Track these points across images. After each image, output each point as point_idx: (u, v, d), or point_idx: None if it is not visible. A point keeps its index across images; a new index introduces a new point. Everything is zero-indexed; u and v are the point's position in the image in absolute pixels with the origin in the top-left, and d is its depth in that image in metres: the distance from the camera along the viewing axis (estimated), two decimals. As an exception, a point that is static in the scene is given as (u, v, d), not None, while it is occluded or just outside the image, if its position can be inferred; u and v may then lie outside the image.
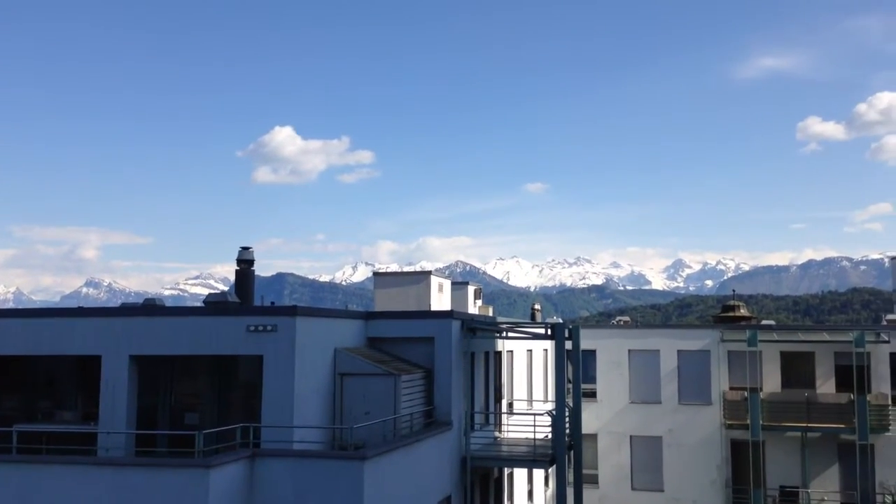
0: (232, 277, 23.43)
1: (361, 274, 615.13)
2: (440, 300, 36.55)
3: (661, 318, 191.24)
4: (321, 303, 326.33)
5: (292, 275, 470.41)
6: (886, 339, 30.16)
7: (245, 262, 22.54)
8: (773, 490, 30.24)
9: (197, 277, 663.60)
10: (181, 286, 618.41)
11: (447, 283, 38.54)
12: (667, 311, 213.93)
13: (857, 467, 28.75)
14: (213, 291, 21.26)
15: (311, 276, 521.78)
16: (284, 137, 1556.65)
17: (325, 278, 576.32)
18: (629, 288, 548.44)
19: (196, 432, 15.32)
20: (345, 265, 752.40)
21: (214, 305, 19.46)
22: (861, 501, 28.52)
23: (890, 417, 29.39)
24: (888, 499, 28.40)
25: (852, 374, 29.34)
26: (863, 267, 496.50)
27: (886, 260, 42.48)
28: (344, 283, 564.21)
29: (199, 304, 20.89)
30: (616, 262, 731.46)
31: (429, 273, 37.67)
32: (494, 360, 25.48)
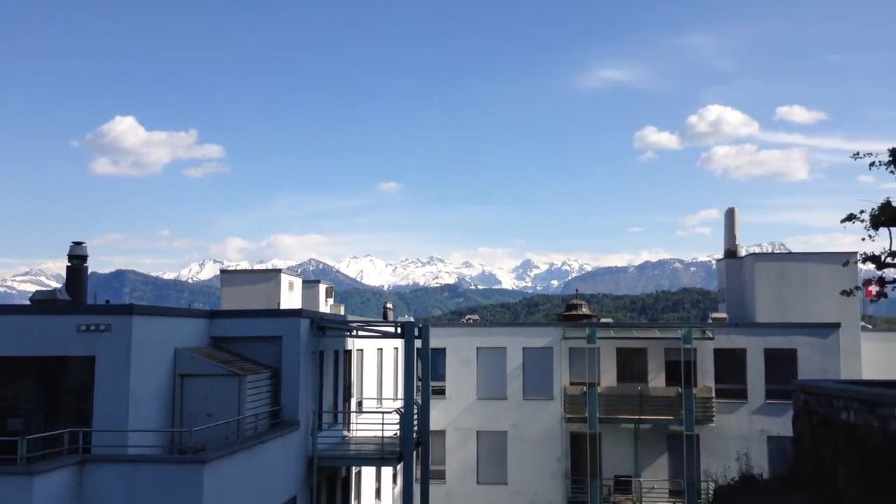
0: (65, 274, 22.04)
1: (209, 272, 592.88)
2: (291, 298, 35.94)
3: (510, 316, 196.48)
4: (165, 301, 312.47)
5: (133, 272, 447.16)
6: (711, 335, 32.44)
7: (77, 258, 21.26)
8: (609, 479, 31.86)
9: (26, 274, 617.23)
10: (8, 283, 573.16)
11: (298, 282, 37.97)
12: (515, 310, 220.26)
13: (684, 456, 30.76)
14: (42, 289, 19.92)
15: (153, 274, 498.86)
16: (126, 128, 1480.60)
17: (169, 276, 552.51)
18: (480, 287, 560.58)
19: (19, 438, 14.35)
20: (191, 262, 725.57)
21: (42, 303, 18.28)
22: (687, 488, 30.50)
23: (714, 409, 31.65)
24: (711, 485, 30.58)
25: (680, 369, 31.38)
26: (693, 268, 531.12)
27: (713, 262, 46.22)
28: (190, 280, 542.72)
29: (27, 302, 19.57)
30: (468, 261, 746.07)
31: (279, 271, 36.98)
32: (344, 359, 25.35)
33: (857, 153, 15.15)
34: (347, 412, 25.49)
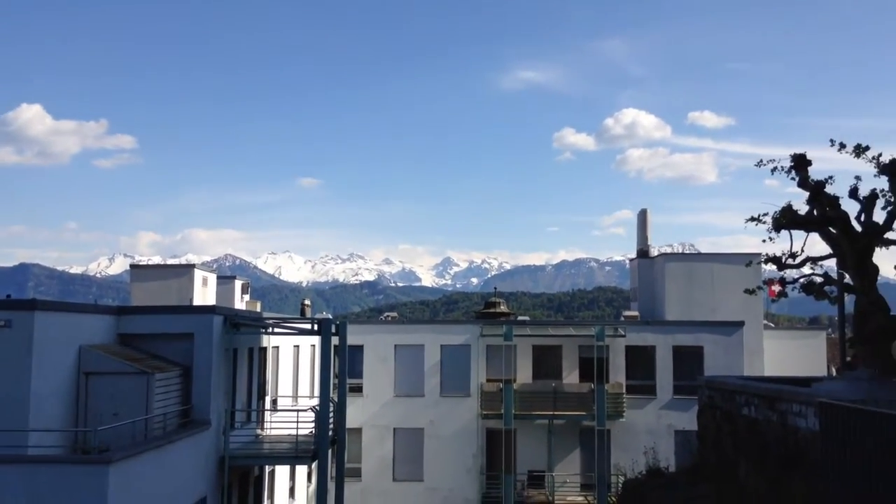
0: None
1: (119, 266, 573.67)
2: (204, 295, 35.09)
3: (430, 314, 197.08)
4: (72, 297, 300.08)
5: (38, 265, 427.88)
6: (623, 333, 33.31)
7: (-25, 250, 20.20)
8: (523, 474, 32.32)
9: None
10: None
11: (212, 278, 37.12)
12: (435, 308, 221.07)
13: (596, 451, 31.47)
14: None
15: (60, 268, 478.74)
16: (32, 116, 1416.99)
17: (76, 270, 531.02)
18: (400, 284, 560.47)
19: None
20: (100, 256, 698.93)
21: (-65, 298, 17.28)
22: (598, 482, 31.22)
23: (624, 405, 32.51)
24: (621, 479, 31.37)
25: (593, 366, 32.09)
26: (608, 268, 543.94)
27: (627, 262, 47.62)
28: (99, 275, 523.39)
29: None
30: (388, 258, 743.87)
31: (192, 266, 36.05)
32: (259, 357, 24.93)
33: (761, 161, 15.77)
34: (261, 410, 25.09)
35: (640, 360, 33.29)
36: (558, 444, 32.88)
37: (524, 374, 33.30)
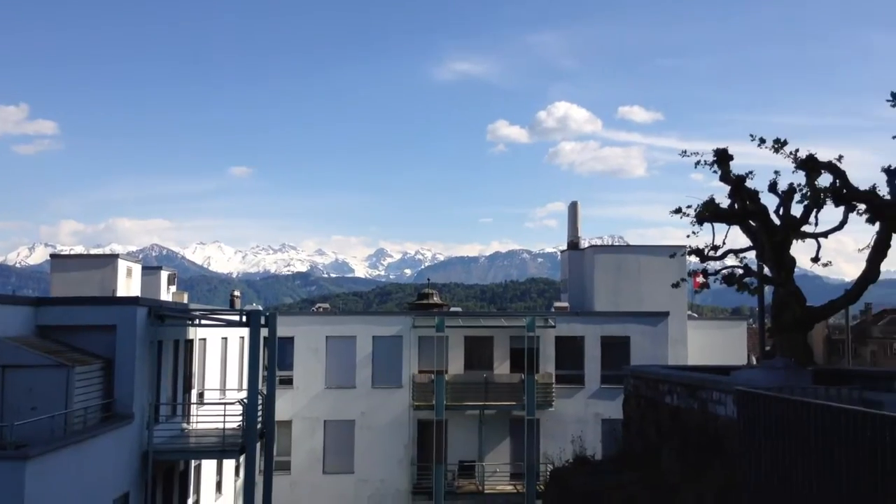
0: None
1: (39, 256, 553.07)
2: (129, 286, 34.15)
3: (363, 305, 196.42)
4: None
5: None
6: (553, 324, 33.77)
7: None
8: (453, 465, 32.52)
9: None
10: None
11: (137, 268, 36.15)
12: (368, 299, 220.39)
13: (525, 440, 31.87)
14: None
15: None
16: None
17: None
18: (333, 275, 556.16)
19: None
20: (20, 246, 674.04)
21: None
22: (527, 471, 31.62)
23: (554, 395, 32.99)
24: (549, 467, 31.83)
25: (524, 356, 32.45)
26: (540, 259, 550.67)
27: (558, 253, 48.27)
28: (18, 265, 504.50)
29: None
30: (321, 249, 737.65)
31: (116, 257, 35.06)
32: (185, 349, 24.39)
33: (685, 152, 16.15)
34: (187, 404, 24.56)
35: (569, 351, 33.81)
36: (489, 434, 33.17)
37: (456, 365, 33.45)
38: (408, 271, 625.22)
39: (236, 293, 42.08)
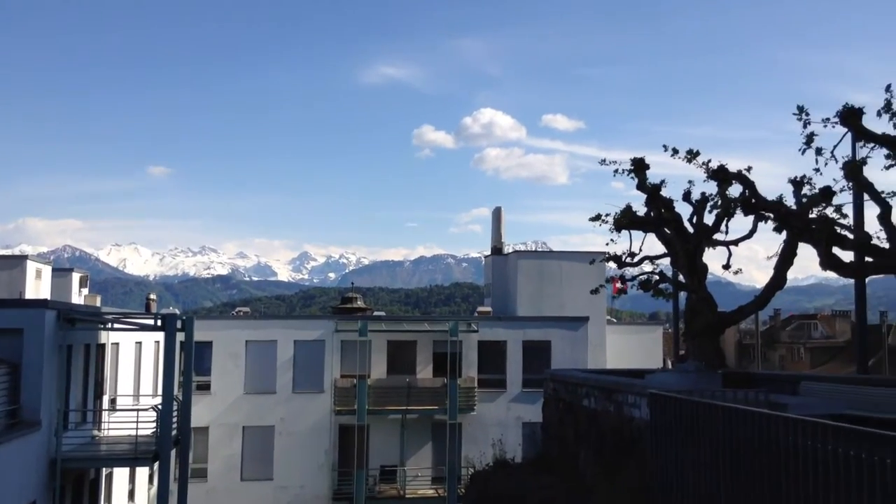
0: None
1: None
2: (38, 288, 32.90)
3: (286, 309, 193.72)
4: None
5: None
6: (476, 328, 34.01)
7: None
8: (375, 470, 32.36)
9: None
10: None
11: (47, 270, 34.90)
12: (291, 303, 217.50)
13: (447, 444, 31.97)
14: None
15: None
16: None
17: None
18: (255, 279, 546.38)
19: None
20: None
21: None
22: (448, 475, 31.73)
23: (476, 398, 33.20)
24: (471, 471, 32.01)
25: (447, 361, 32.57)
26: (465, 264, 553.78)
27: (483, 258, 48.45)
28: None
29: None
30: (243, 252, 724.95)
31: (24, 258, 33.76)
32: (97, 354, 23.59)
33: (604, 160, 16.49)
34: (98, 410, 23.75)
35: (491, 355, 34.10)
36: (411, 438, 33.14)
37: (378, 369, 33.31)
38: (332, 275, 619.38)
39: (152, 296, 40.91)
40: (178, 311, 32.43)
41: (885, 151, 9.49)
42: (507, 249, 41.14)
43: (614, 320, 45.58)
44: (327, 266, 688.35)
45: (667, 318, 55.33)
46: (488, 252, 42.12)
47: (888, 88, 9.07)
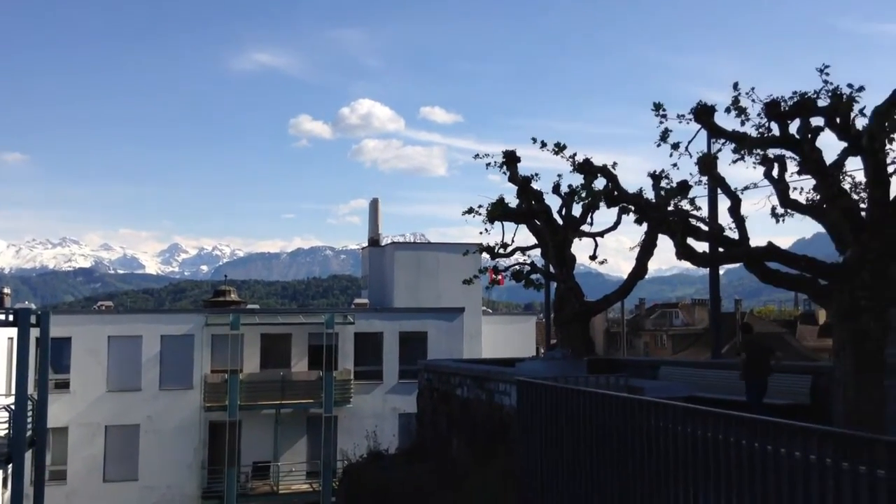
0: None
1: None
2: None
3: (155, 303, 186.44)
4: None
5: None
6: (352, 320, 33.79)
7: None
8: (248, 466, 31.64)
9: None
10: None
11: None
12: (160, 296, 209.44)
13: (322, 438, 31.65)
14: None
15: None
16: None
17: None
18: (121, 272, 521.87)
19: None
20: None
21: None
22: (323, 469, 31.43)
23: (352, 391, 33.01)
24: (346, 463, 31.85)
25: (323, 354, 32.22)
26: (343, 256, 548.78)
27: (360, 250, 48.12)
28: None
29: None
30: (107, 244, 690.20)
31: None
32: (-61, 352, 21.86)
33: (478, 154, 16.75)
34: (-58, 413, 22.02)
35: (368, 347, 34.02)
36: (285, 433, 32.60)
37: (252, 363, 32.58)
38: (204, 268, 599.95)
39: (6, 290, 38.40)
40: (33, 306, 30.50)
41: (733, 146, 10.05)
42: (385, 241, 41.11)
43: (490, 311, 46.46)
44: (199, 258, 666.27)
45: (541, 309, 56.92)
46: (366, 244, 41.95)
47: (736, 86, 9.59)
